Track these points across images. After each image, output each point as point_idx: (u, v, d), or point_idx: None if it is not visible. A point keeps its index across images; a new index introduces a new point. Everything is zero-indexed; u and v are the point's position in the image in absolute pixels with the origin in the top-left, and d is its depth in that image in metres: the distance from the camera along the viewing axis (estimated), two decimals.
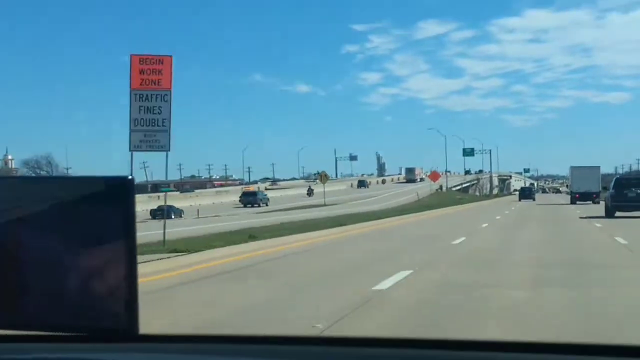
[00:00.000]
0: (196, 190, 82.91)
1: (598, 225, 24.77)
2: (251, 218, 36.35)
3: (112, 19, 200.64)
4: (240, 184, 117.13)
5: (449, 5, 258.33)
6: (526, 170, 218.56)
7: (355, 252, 16.02)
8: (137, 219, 1.17)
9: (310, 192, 75.87)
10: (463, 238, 18.85)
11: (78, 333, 1.21)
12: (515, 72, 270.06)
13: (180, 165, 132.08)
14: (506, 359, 1.59)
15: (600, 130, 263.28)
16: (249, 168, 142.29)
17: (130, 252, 1.12)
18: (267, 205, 60.71)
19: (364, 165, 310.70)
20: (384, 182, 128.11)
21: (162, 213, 29.03)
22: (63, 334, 1.31)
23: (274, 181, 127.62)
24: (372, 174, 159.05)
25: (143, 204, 48.84)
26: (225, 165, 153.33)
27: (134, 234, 1.13)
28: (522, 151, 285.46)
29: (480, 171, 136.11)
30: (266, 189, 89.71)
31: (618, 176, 43.47)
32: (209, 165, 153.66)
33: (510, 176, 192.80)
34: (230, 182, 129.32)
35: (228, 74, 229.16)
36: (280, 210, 49.04)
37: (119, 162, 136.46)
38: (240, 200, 63.74)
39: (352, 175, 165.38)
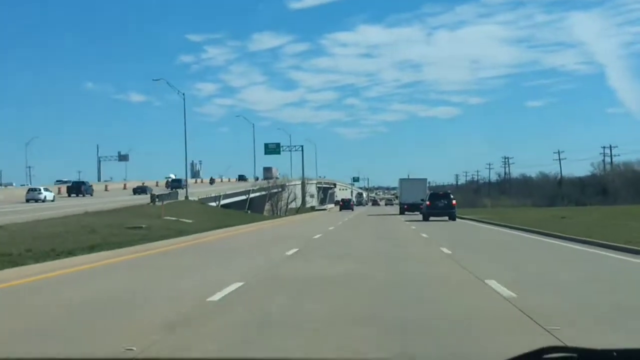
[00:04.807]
0: None
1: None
2: None
3: None
4: None
5: (284, 19, 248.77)
6: (355, 180, 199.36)
7: None
8: None
9: None
10: None
11: None
12: (349, 86, 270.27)
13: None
14: None
15: (430, 143, 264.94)
16: None
17: None
18: None
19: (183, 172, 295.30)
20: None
21: None
22: None
23: None
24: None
25: None
26: None
27: None
28: (355, 163, 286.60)
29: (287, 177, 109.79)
30: None
31: (432, 191, 51.44)
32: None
33: (335, 184, 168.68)
34: None
35: (59, 80, 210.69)
36: None
37: None
38: None
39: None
